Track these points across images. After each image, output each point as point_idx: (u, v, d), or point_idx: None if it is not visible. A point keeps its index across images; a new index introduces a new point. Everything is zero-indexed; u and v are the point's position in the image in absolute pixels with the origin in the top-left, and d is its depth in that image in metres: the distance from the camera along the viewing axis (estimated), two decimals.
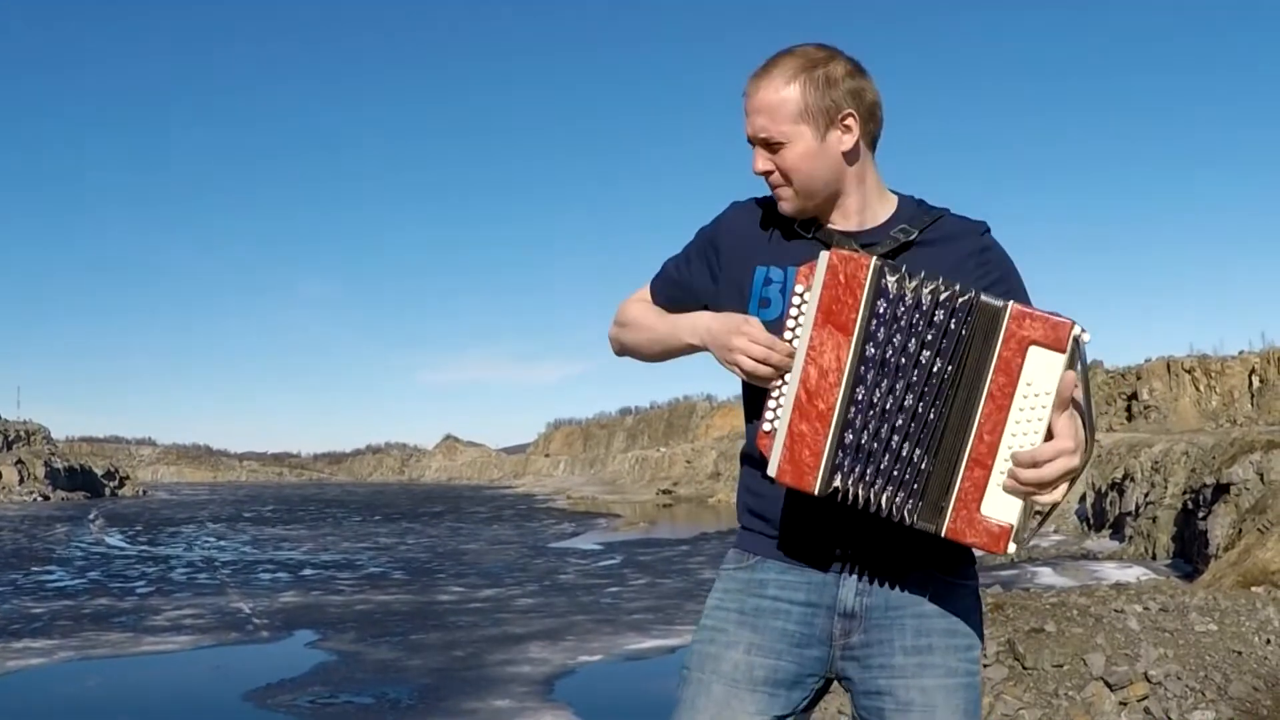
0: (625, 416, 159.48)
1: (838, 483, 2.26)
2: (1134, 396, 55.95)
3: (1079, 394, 2.17)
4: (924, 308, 2.20)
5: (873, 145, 2.51)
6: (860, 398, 2.23)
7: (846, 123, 2.42)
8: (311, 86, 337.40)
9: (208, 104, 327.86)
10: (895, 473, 2.23)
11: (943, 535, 2.22)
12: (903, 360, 2.21)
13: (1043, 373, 2.14)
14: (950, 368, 2.18)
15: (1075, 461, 2.12)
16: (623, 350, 2.80)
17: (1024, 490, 2.15)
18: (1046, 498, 2.15)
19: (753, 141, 2.46)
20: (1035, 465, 2.12)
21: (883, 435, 2.23)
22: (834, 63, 2.43)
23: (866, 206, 2.50)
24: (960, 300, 2.18)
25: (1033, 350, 2.14)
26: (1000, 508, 2.18)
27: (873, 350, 2.22)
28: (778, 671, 2.47)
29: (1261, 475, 26.54)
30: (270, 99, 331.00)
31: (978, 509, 2.19)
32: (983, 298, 2.18)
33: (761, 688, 2.47)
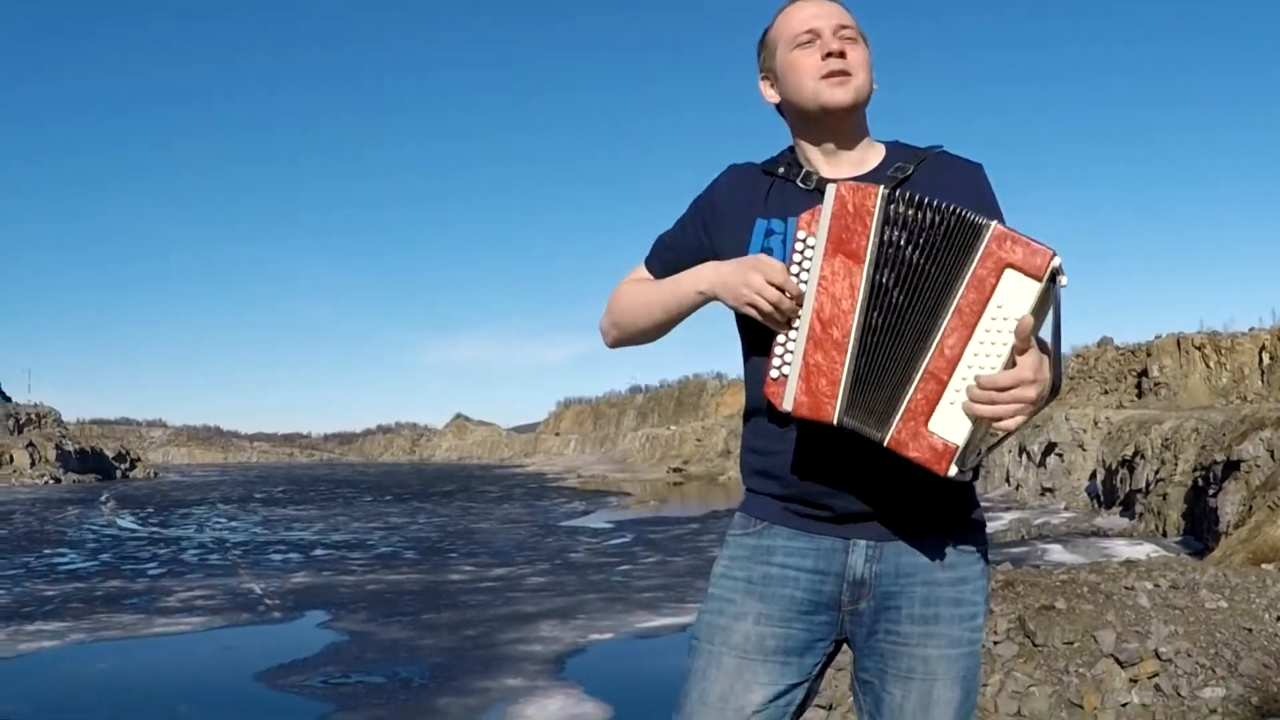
0: (635, 395, 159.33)
1: (850, 417, 2.22)
2: (1144, 373, 55.77)
3: (1048, 331, 2.14)
4: (926, 227, 2.18)
5: None
6: (873, 323, 2.20)
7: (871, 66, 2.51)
8: (318, 74, 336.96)
9: (216, 91, 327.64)
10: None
11: (884, 444, 2.18)
12: (905, 288, 2.19)
13: (1015, 298, 2.09)
14: (928, 269, 2.16)
15: (1032, 393, 2.08)
16: (618, 336, 2.73)
17: (977, 413, 2.10)
18: (1002, 423, 2.10)
19: (815, 35, 2.47)
20: (994, 389, 2.08)
21: (893, 360, 2.20)
22: None
23: (864, 159, 2.52)
24: (946, 212, 2.15)
25: (1008, 273, 2.09)
26: (949, 426, 2.13)
27: (883, 277, 2.19)
28: (789, 640, 2.46)
29: (1272, 452, 26.51)
30: (278, 87, 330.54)
31: (925, 423, 2.14)
32: (967, 213, 2.15)
33: (773, 657, 2.45)
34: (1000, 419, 2.09)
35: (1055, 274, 2.09)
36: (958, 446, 2.12)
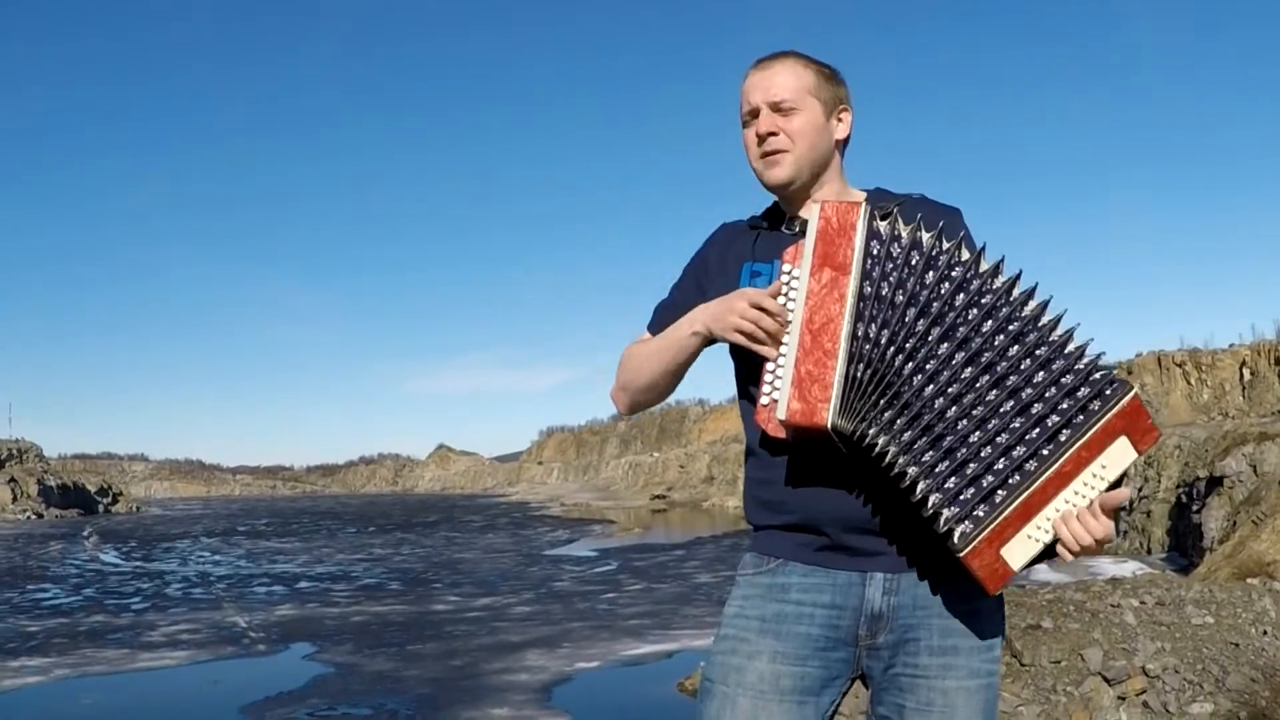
0: (618, 422, 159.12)
1: (845, 421, 2.24)
2: None
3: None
4: (924, 248, 2.26)
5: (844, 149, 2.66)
6: (861, 333, 2.24)
7: (843, 116, 2.60)
8: (301, 99, 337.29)
9: (197, 118, 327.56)
10: (942, 442, 2.24)
11: (958, 553, 2.23)
12: (904, 297, 2.24)
13: (1116, 461, 2.22)
14: (1059, 415, 2.23)
15: (1097, 550, 2.22)
16: (630, 399, 2.75)
17: (1059, 533, 2.22)
18: (1061, 550, 2.22)
19: (755, 113, 2.56)
20: (1084, 522, 2.21)
21: (904, 379, 2.24)
22: (830, 68, 2.61)
23: (840, 199, 2.56)
24: (1091, 363, 2.24)
25: (1120, 439, 2.22)
26: (1016, 554, 2.23)
27: (870, 288, 2.25)
28: (805, 678, 2.43)
29: (1254, 467, 26.62)
30: (258, 112, 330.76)
31: (1000, 546, 2.23)
32: (1111, 374, 2.24)
33: (789, 697, 2.42)
34: (1072, 551, 2.23)
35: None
36: (1013, 573, 2.25)
